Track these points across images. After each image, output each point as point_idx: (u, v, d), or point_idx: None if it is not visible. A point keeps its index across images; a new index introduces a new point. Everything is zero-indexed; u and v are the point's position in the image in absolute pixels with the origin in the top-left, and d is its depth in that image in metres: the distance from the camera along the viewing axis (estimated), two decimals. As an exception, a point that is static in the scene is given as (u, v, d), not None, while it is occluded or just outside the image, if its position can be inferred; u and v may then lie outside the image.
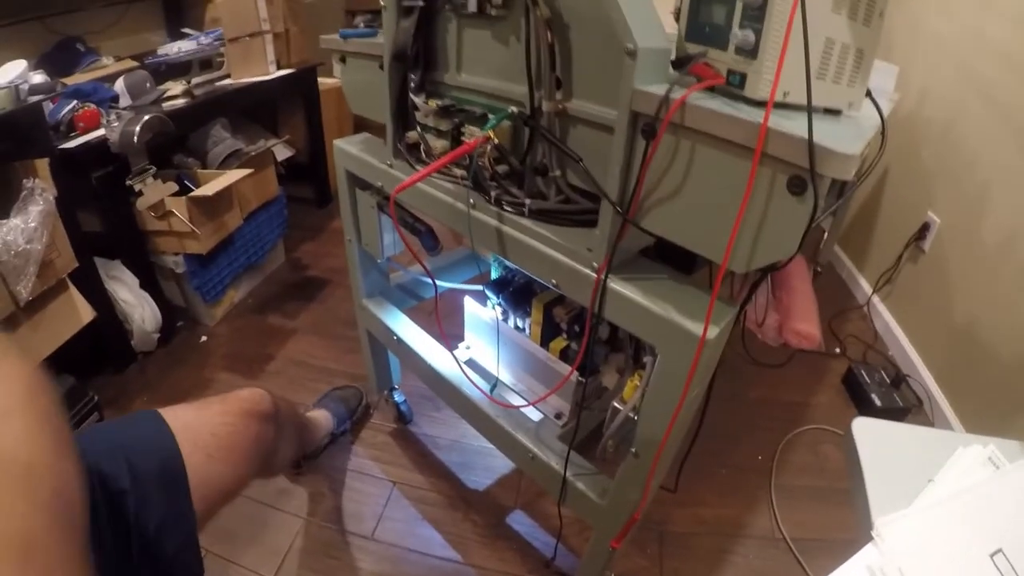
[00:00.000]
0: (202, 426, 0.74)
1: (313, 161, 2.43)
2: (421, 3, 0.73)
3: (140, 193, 1.43)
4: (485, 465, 1.34)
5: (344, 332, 1.77)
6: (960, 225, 1.57)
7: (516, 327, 1.03)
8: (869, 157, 0.63)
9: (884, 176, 2.04)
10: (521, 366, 1.06)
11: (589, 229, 0.68)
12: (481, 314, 1.09)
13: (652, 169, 0.58)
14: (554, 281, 0.72)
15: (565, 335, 0.97)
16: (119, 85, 1.55)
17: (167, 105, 1.62)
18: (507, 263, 0.99)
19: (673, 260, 0.70)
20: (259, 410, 0.82)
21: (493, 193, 0.75)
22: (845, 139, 0.48)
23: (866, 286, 2.05)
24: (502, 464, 1.33)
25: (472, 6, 0.68)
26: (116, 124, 1.35)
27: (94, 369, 1.53)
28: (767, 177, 0.50)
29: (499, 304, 1.02)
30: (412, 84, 0.81)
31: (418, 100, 0.80)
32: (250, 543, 1.15)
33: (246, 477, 0.78)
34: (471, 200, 0.79)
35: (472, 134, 0.75)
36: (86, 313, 1.30)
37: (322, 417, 1.30)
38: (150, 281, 1.60)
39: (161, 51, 1.81)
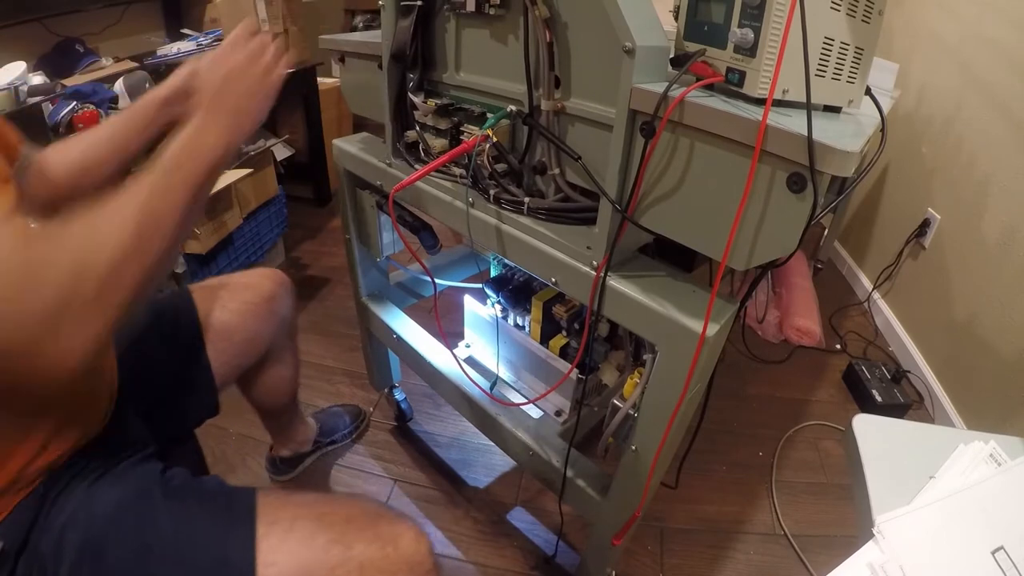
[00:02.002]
0: (220, 285, 0.89)
1: (312, 160, 2.43)
2: (419, 2, 0.73)
3: (140, 193, 1.42)
4: (485, 462, 1.34)
5: (344, 330, 1.77)
6: (960, 221, 1.57)
7: (516, 325, 1.03)
8: (869, 154, 0.63)
9: (884, 173, 2.04)
10: (521, 364, 1.06)
11: (588, 227, 0.68)
12: (481, 312, 1.09)
13: (651, 167, 0.58)
14: (553, 279, 0.72)
15: (565, 332, 0.97)
16: (119, 86, 1.54)
17: (166, 105, 1.61)
18: (506, 261, 0.99)
19: (672, 258, 0.70)
20: (274, 275, 0.94)
21: (492, 191, 0.75)
22: (845, 136, 0.48)
23: (866, 282, 2.05)
24: (502, 461, 1.33)
25: (470, 5, 0.68)
26: (115, 124, 1.35)
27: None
28: (766, 174, 0.50)
29: (499, 302, 1.02)
30: (411, 83, 0.81)
31: (417, 99, 0.80)
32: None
33: (256, 331, 0.89)
34: (470, 199, 0.79)
35: (471, 133, 0.75)
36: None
37: (308, 423, 1.29)
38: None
39: (160, 52, 1.81)
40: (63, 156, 0.73)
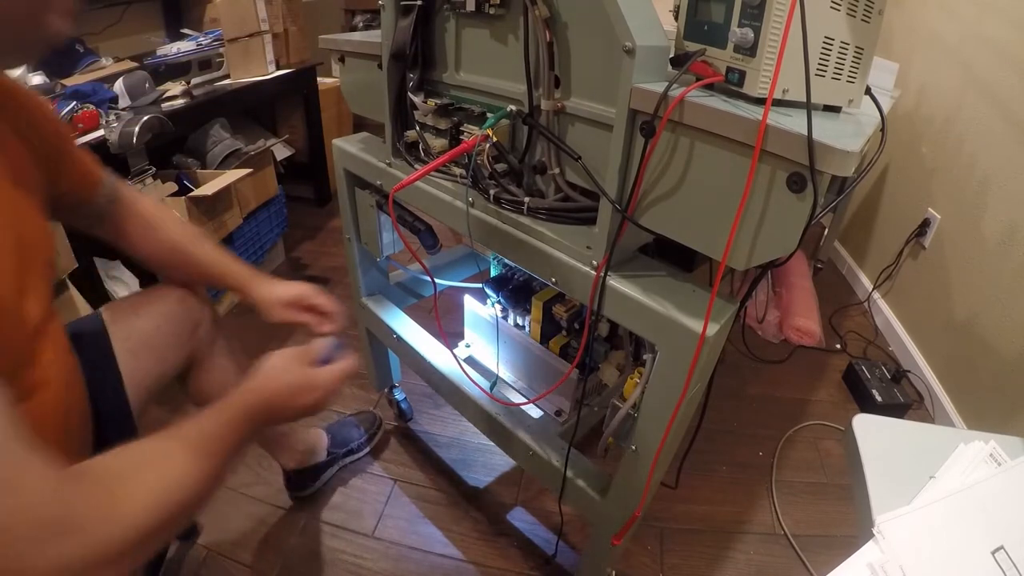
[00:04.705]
0: (130, 295, 0.89)
1: (312, 160, 2.43)
2: (419, 2, 0.73)
3: (140, 193, 1.42)
4: (485, 462, 1.34)
5: (344, 331, 1.77)
6: (960, 221, 1.57)
7: (516, 325, 1.03)
8: (869, 154, 0.63)
9: (884, 173, 2.04)
10: (521, 364, 1.06)
11: (588, 227, 0.68)
12: (481, 312, 1.09)
13: (651, 167, 0.58)
14: (553, 279, 0.72)
15: (565, 332, 0.97)
16: (118, 86, 1.54)
17: (166, 106, 1.61)
18: (506, 261, 0.99)
19: (672, 257, 0.70)
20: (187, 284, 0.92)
21: (492, 191, 0.75)
22: (845, 136, 0.48)
23: (866, 282, 2.05)
24: (502, 461, 1.33)
25: (470, 5, 0.68)
26: (115, 125, 1.35)
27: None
28: (766, 174, 0.50)
29: (499, 302, 1.02)
30: (411, 83, 0.81)
31: (417, 99, 0.80)
32: (251, 541, 1.15)
33: (174, 333, 0.87)
34: (470, 198, 0.79)
35: (471, 133, 0.75)
36: (86, 313, 1.30)
37: (313, 434, 1.25)
38: (150, 281, 1.60)
39: (160, 52, 1.81)
40: (168, 225, 0.84)
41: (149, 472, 0.47)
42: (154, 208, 0.85)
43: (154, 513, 0.45)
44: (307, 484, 1.24)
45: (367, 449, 1.35)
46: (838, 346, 1.81)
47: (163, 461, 0.49)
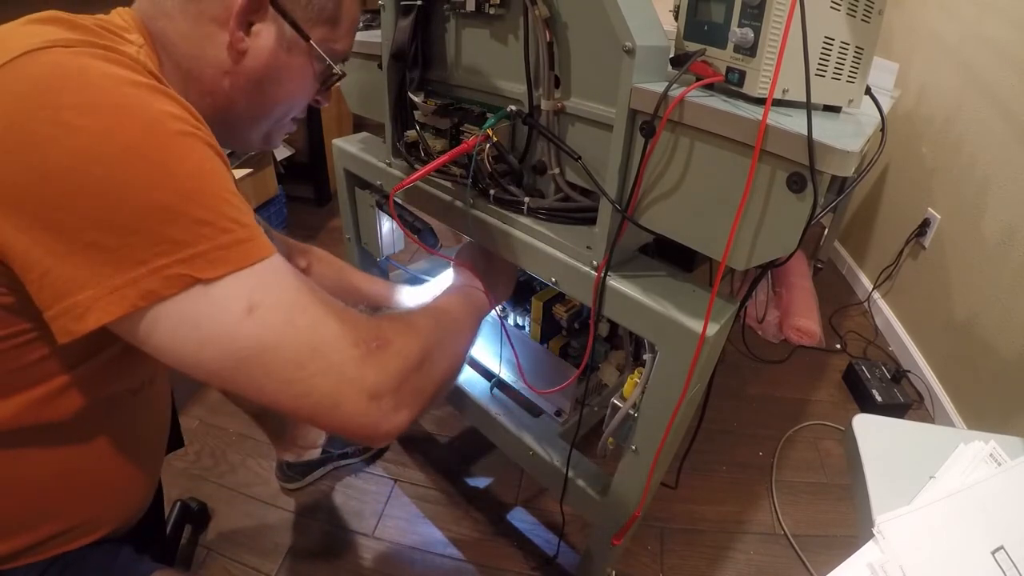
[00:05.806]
0: None
1: (312, 160, 2.43)
2: (419, 2, 0.73)
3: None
4: (485, 462, 1.34)
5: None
6: (960, 221, 1.57)
7: (516, 325, 1.03)
8: (869, 154, 0.63)
9: (884, 173, 2.04)
10: (521, 364, 1.06)
11: (588, 227, 0.68)
12: (481, 312, 1.09)
13: (651, 167, 0.58)
14: (553, 279, 0.72)
15: (565, 332, 0.97)
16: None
17: (166, 105, 1.61)
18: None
19: (673, 257, 0.70)
20: None
21: (492, 191, 0.75)
22: (845, 136, 0.48)
23: (866, 282, 2.05)
24: (502, 461, 1.33)
25: (470, 5, 0.68)
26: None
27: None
28: (766, 174, 0.50)
29: (499, 302, 1.02)
30: (411, 83, 0.81)
31: (417, 99, 0.80)
32: (251, 542, 1.15)
33: None
34: (470, 199, 0.79)
35: (471, 133, 0.75)
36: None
37: (315, 432, 1.25)
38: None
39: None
40: (328, 258, 0.94)
41: (420, 318, 0.58)
42: (304, 245, 0.92)
43: (433, 340, 0.54)
44: (298, 478, 1.25)
45: (362, 456, 1.33)
46: (838, 346, 1.81)
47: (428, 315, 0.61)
